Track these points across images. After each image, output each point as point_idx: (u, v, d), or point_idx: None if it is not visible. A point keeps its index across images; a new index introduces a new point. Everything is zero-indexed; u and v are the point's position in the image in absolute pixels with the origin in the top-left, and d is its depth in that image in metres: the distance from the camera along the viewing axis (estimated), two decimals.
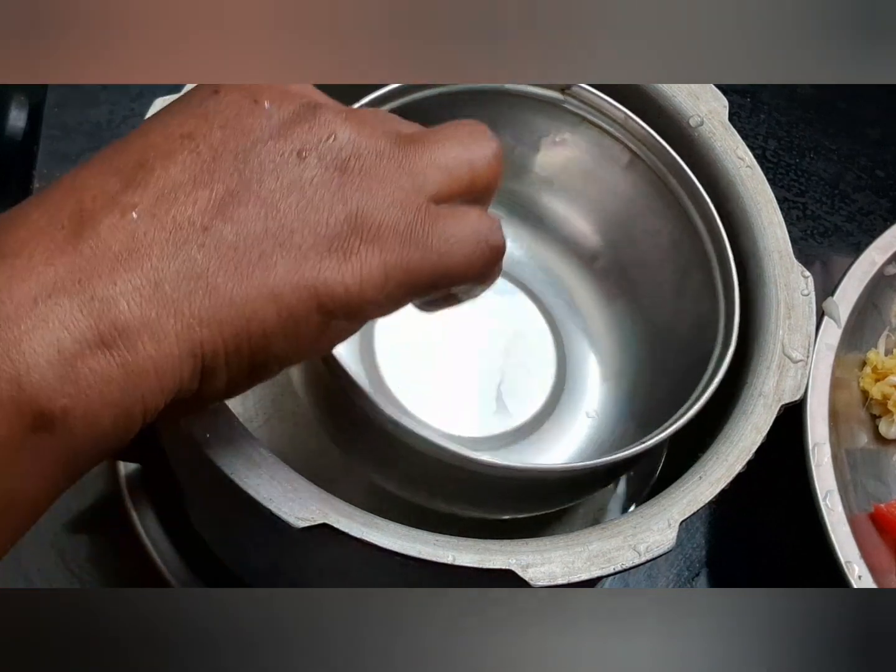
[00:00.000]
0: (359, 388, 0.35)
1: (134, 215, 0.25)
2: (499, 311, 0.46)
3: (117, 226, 0.25)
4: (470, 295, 0.32)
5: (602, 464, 0.37)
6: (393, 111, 0.39)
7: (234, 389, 0.28)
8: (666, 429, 0.38)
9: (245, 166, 0.27)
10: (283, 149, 0.27)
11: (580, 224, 0.48)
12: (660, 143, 0.44)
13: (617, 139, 0.45)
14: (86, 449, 0.25)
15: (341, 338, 0.29)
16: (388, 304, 0.29)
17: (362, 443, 0.39)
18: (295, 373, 0.41)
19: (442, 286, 0.29)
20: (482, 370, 0.45)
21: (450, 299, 0.32)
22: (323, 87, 0.30)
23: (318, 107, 0.29)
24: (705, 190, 0.44)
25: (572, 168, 0.47)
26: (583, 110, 0.45)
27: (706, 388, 0.39)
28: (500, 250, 0.30)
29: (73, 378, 0.24)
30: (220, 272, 0.26)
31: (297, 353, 0.28)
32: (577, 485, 0.41)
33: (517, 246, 0.49)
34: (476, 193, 0.30)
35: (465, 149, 0.30)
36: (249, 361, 0.27)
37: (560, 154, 0.47)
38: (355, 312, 0.28)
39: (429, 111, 0.41)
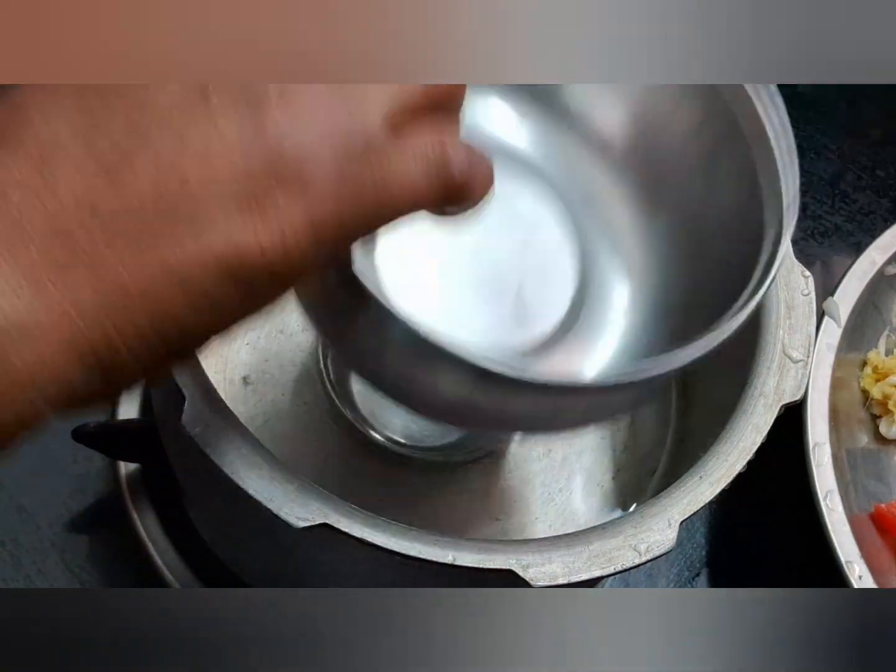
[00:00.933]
0: (386, 307, 0.30)
1: (13, 194, 0.22)
2: (510, 205, 0.40)
3: None
4: (450, 213, 0.27)
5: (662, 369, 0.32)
6: None
7: (156, 371, 0.25)
8: (722, 323, 0.33)
9: (141, 119, 0.23)
10: (184, 91, 0.24)
11: (597, 107, 0.43)
12: None
13: None
14: None
15: (277, 298, 0.25)
16: (324, 255, 0.25)
17: (369, 354, 0.35)
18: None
19: (382, 225, 0.25)
20: (497, 277, 0.40)
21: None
22: None
23: None
24: None
25: None
26: None
27: (764, 277, 0.34)
28: (455, 185, 0.25)
29: None
30: (109, 255, 0.22)
31: (222, 324, 0.25)
32: (617, 400, 0.36)
33: (527, 135, 0.44)
34: (434, 101, 0.26)
35: None
36: (161, 344, 0.24)
37: None
38: (282, 274, 0.24)
39: None
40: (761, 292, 0.34)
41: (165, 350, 0.24)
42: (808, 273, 0.43)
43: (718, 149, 0.40)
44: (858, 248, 0.57)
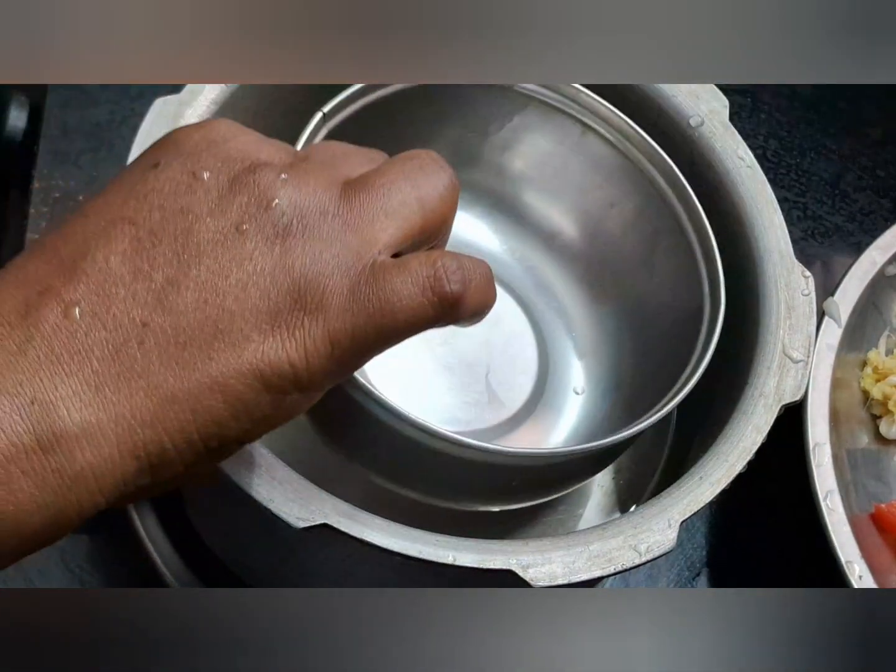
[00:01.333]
0: (365, 387, 0.35)
1: (77, 314, 0.25)
2: None
3: (61, 326, 0.25)
4: (458, 326, 0.31)
5: (604, 444, 0.37)
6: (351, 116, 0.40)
7: (196, 472, 0.28)
8: (668, 402, 0.37)
9: (184, 250, 0.27)
10: (221, 225, 0.27)
11: (541, 204, 0.48)
12: (611, 112, 0.44)
13: (566, 114, 0.45)
14: (10, 547, 0.25)
15: (303, 408, 0.29)
16: (342, 370, 0.28)
17: (361, 441, 0.39)
18: None
19: (394, 342, 0.29)
20: (466, 366, 0.45)
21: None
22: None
23: (258, 169, 0.28)
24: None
25: (525, 149, 0.47)
26: (529, 90, 0.45)
27: (704, 351, 0.39)
28: (450, 296, 0.29)
29: (4, 480, 0.24)
30: (161, 369, 0.26)
31: (256, 431, 0.28)
32: (584, 464, 0.41)
33: (485, 233, 0.49)
34: (430, 231, 0.30)
35: (413, 187, 0.29)
36: (205, 448, 0.27)
37: (511, 137, 0.46)
38: (307, 386, 0.28)
39: (379, 110, 0.41)
40: (704, 363, 0.39)
41: (206, 451, 0.27)
42: (808, 273, 0.43)
43: (656, 235, 0.45)
44: (859, 248, 0.57)
